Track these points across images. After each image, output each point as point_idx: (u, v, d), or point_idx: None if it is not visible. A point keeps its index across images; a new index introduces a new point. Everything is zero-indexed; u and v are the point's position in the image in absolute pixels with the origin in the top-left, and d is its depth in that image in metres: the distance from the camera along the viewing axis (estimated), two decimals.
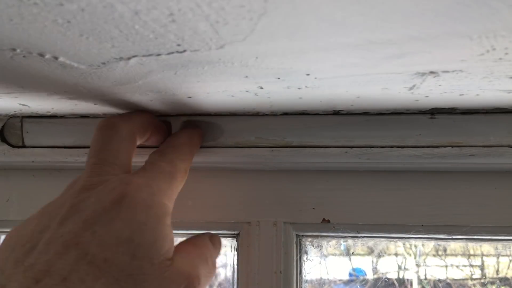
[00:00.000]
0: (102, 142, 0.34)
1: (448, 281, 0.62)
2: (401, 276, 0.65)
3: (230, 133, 0.41)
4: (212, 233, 0.38)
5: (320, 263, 0.48)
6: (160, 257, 0.28)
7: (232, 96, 0.35)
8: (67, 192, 0.31)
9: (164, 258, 0.28)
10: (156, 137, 0.39)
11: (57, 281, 0.25)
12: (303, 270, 0.45)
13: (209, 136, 0.42)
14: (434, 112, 0.39)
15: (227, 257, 0.50)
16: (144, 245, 0.28)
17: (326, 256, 0.49)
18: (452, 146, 0.39)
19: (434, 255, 0.62)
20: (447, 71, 0.28)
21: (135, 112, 0.38)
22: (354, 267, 0.63)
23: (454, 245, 0.65)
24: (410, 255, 0.64)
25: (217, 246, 0.37)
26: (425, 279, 0.62)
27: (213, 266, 0.34)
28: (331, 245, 0.47)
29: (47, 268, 0.25)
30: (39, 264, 0.26)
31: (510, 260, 0.63)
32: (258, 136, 0.41)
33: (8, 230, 0.50)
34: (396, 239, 0.45)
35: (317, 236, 0.45)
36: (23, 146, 0.44)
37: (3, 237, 0.52)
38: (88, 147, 0.37)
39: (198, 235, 0.37)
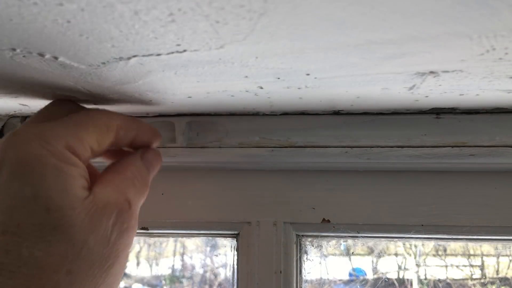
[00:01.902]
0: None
1: (448, 281, 0.62)
2: (401, 276, 0.65)
3: (234, 134, 0.42)
4: (148, 148, 0.34)
5: (320, 263, 0.48)
6: (78, 198, 0.27)
7: (232, 96, 0.35)
8: None
9: (82, 197, 0.27)
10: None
11: None
12: (303, 270, 0.45)
13: (213, 136, 0.42)
14: (438, 112, 0.39)
15: (227, 257, 0.50)
16: (53, 196, 0.26)
17: (326, 256, 0.49)
18: (458, 146, 0.39)
19: (434, 255, 0.62)
20: (447, 71, 0.28)
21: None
22: (354, 267, 0.63)
23: (454, 245, 0.65)
24: (410, 255, 0.64)
25: (153, 159, 0.34)
26: (425, 279, 0.62)
27: (143, 184, 0.32)
28: (331, 245, 0.47)
29: None
30: None
31: (510, 260, 0.63)
32: (262, 136, 0.41)
33: None
34: (396, 239, 0.45)
35: (317, 236, 0.45)
36: None
37: None
38: None
39: (124, 158, 0.33)
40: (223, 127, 0.42)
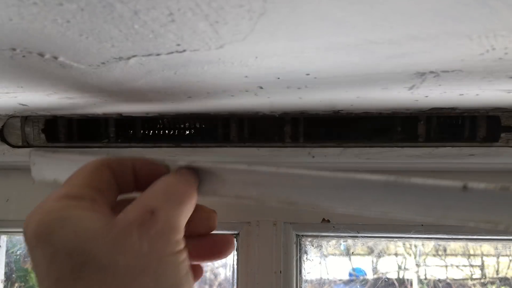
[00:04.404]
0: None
1: (448, 281, 0.62)
2: (401, 276, 0.65)
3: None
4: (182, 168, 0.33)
5: (320, 263, 0.48)
6: (91, 232, 0.28)
7: (232, 96, 0.35)
8: None
9: (98, 228, 0.28)
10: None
11: None
12: (303, 270, 0.45)
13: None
14: (438, 112, 0.39)
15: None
16: (66, 243, 0.28)
17: (326, 256, 0.49)
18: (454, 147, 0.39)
19: (434, 255, 0.62)
20: (447, 71, 0.28)
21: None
22: (354, 267, 0.63)
23: (454, 245, 0.65)
24: (410, 255, 0.64)
25: (186, 173, 0.32)
26: (425, 279, 0.62)
27: (174, 192, 0.31)
28: (331, 245, 0.47)
29: None
30: None
31: (510, 260, 0.63)
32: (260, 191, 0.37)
33: (8, 230, 0.50)
34: (396, 239, 0.45)
35: (317, 236, 0.45)
36: (23, 146, 0.44)
37: (3, 237, 0.52)
38: (89, 146, 0.37)
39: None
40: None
